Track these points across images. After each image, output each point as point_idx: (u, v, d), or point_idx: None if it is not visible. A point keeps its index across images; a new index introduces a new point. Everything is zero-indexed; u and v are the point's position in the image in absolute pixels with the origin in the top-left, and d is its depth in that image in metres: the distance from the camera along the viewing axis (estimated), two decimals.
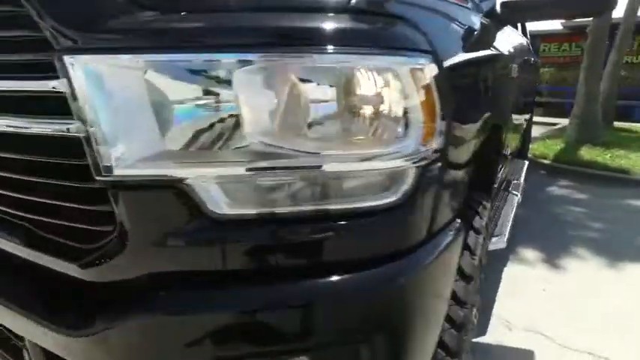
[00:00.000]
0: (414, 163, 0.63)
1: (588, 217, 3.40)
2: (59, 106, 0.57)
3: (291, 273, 0.60)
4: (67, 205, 0.61)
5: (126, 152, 0.54)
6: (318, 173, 0.59)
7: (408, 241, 0.67)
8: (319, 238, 0.61)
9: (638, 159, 4.86)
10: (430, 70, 0.63)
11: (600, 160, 4.86)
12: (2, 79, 0.60)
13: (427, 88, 0.62)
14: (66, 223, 0.62)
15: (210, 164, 0.56)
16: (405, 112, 0.61)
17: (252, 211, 0.58)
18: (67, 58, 0.52)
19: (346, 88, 0.57)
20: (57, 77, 0.54)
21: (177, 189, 0.56)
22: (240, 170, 0.56)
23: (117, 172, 0.54)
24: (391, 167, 0.62)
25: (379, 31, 0.61)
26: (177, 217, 0.57)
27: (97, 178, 0.55)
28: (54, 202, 0.62)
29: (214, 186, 0.56)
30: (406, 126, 0.61)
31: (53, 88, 0.55)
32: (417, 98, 0.61)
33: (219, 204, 0.57)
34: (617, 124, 7.69)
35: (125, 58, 0.52)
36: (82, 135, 0.54)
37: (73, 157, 0.58)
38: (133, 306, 0.58)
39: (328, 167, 0.59)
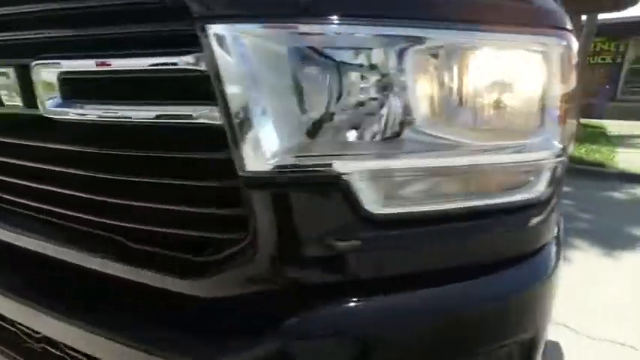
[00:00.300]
0: (557, 156, 0.58)
1: (576, 209, 3.55)
2: (185, 88, 0.47)
3: (440, 276, 0.54)
4: (182, 210, 0.51)
5: (277, 143, 0.45)
6: (476, 166, 0.53)
7: (543, 238, 0.63)
8: (467, 236, 0.56)
9: (609, 153, 5.16)
10: (572, 52, 0.58)
11: (576, 154, 5.11)
12: (120, 57, 0.48)
13: (569, 72, 0.58)
14: (177, 232, 0.52)
15: (371, 156, 0.48)
16: (554, 100, 0.56)
17: (410, 209, 0.52)
18: (211, 28, 0.43)
19: (502, 72, 0.52)
20: (193, 52, 0.44)
21: (332, 185, 0.48)
22: (402, 163, 0.49)
23: (266, 166, 0.45)
24: (539, 159, 0.57)
25: (533, 8, 0.55)
26: (329, 218, 0.49)
27: (241, 174, 0.46)
28: (166, 208, 0.52)
29: (371, 182, 0.49)
30: (551, 115, 0.56)
31: (188, 64, 0.45)
32: (561, 84, 0.56)
33: (376, 202, 0.49)
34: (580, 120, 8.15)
35: (278, 30, 0.43)
36: (222, 123, 0.45)
37: (201, 151, 0.48)
38: (276, 326, 0.49)
39: (486, 159, 0.53)
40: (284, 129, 0.45)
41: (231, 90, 0.44)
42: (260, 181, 0.47)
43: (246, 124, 0.44)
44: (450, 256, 0.55)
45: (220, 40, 0.43)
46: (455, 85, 0.49)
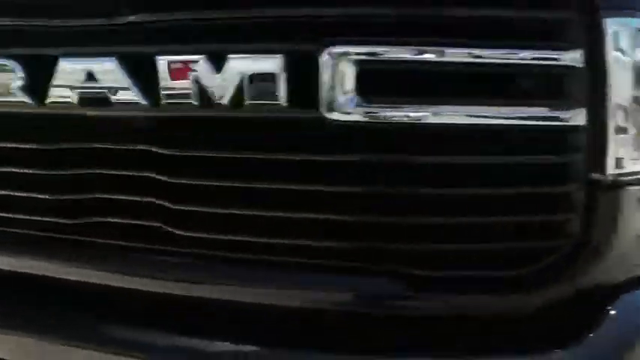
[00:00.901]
0: None
1: None
2: (541, 85, 0.44)
3: None
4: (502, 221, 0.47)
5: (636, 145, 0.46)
6: None
7: None
8: None
9: None
10: None
11: None
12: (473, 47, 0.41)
13: None
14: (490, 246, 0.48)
15: None
16: None
17: None
18: (609, 22, 0.40)
19: None
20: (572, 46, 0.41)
21: None
22: None
23: (627, 168, 0.45)
24: None
25: None
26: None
27: (600, 176, 0.45)
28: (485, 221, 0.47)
29: None
30: None
31: (565, 60, 0.41)
32: None
33: None
34: None
35: None
36: (584, 124, 0.43)
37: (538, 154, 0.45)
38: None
39: None
40: None
41: (619, 91, 0.42)
42: (612, 184, 0.46)
43: (622, 127, 0.44)
44: None
45: (618, 34, 0.41)
46: None
